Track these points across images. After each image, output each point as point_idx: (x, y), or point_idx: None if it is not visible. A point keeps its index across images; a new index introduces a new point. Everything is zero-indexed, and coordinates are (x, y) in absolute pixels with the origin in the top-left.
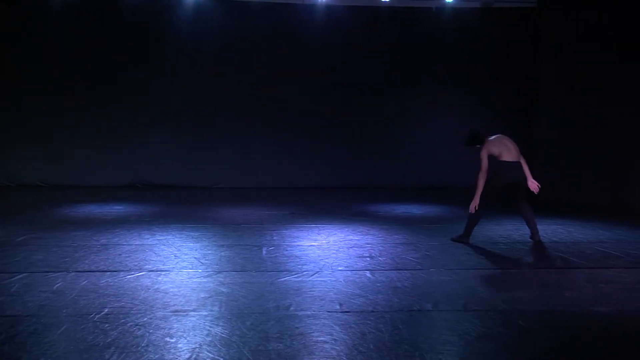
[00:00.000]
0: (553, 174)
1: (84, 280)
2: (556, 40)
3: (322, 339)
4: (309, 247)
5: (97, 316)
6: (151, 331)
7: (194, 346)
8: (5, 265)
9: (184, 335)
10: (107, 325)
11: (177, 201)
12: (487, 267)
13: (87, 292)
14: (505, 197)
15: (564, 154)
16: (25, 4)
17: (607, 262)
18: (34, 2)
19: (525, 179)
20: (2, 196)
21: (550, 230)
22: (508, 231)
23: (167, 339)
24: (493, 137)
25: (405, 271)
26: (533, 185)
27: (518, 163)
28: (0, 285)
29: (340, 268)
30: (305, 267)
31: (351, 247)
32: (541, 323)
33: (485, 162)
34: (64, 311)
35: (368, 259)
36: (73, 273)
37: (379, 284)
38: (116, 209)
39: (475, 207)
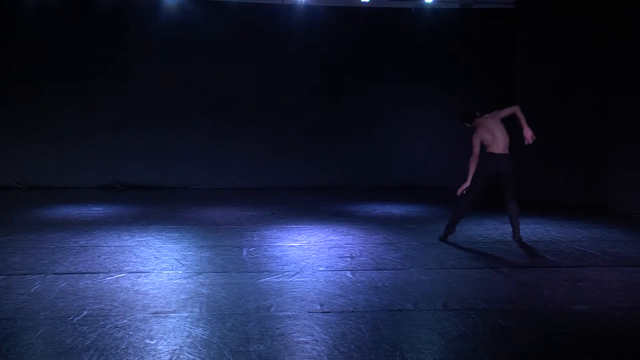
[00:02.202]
0: (531, 173)
1: (63, 283)
2: (534, 41)
3: (302, 339)
4: (290, 248)
5: (75, 318)
6: (131, 333)
7: (174, 348)
8: None
9: (164, 337)
10: (86, 327)
11: (156, 202)
12: (467, 266)
13: (66, 294)
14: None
15: (542, 154)
16: (3, 3)
17: (584, 261)
18: (11, 1)
19: (511, 172)
20: None
21: (529, 230)
22: (488, 231)
23: (147, 340)
24: (486, 116)
25: (385, 271)
26: (528, 134)
27: (504, 155)
28: None
29: (321, 268)
30: (286, 267)
31: (332, 248)
32: (520, 321)
33: (477, 148)
34: (42, 314)
35: (349, 259)
36: (51, 275)
37: (359, 284)
38: (95, 210)
39: (463, 191)
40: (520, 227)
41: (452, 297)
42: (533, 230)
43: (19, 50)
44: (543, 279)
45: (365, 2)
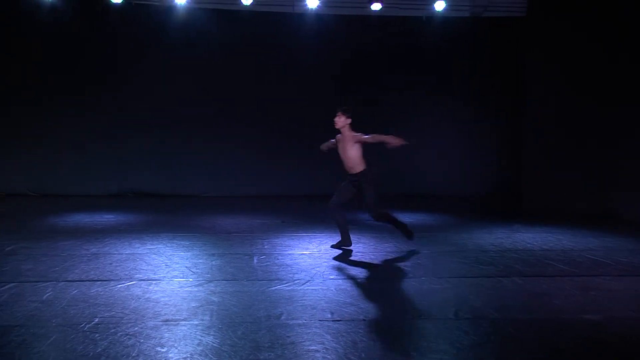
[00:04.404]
0: (542, 181)
1: (74, 290)
2: (545, 49)
3: (313, 347)
4: (300, 256)
5: (87, 326)
6: (142, 341)
7: (185, 356)
8: None
9: (175, 345)
10: (97, 335)
11: (167, 210)
12: (478, 275)
13: (77, 301)
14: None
15: (553, 162)
16: (11, 12)
17: (596, 270)
18: (19, 10)
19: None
20: None
21: (540, 239)
22: (499, 239)
23: (158, 348)
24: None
25: (396, 279)
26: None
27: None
28: None
29: (331, 277)
30: (296, 275)
31: (342, 256)
32: (531, 331)
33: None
34: (54, 321)
35: (359, 267)
36: (63, 282)
37: (370, 293)
38: (106, 218)
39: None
40: (532, 235)
41: (463, 306)
42: (544, 239)
43: (30, 59)
44: (555, 288)
45: (375, 10)
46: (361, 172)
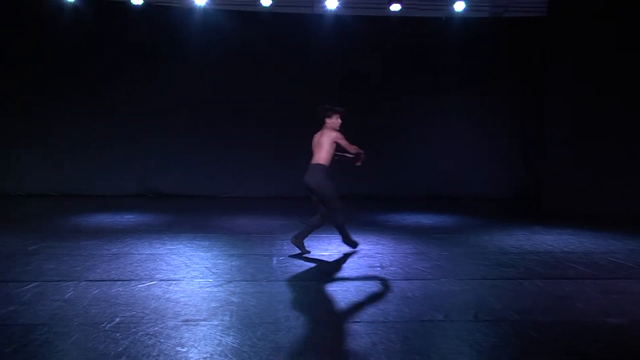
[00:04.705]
0: (563, 183)
1: (95, 290)
2: (565, 49)
3: (332, 348)
4: (320, 257)
5: (108, 325)
6: (162, 340)
7: (204, 356)
8: (18, 274)
9: (195, 345)
10: (118, 334)
11: (187, 210)
12: (499, 277)
13: (99, 301)
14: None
15: (573, 163)
16: (33, 13)
17: (619, 273)
18: (42, 12)
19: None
20: (14, 205)
21: (562, 241)
22: (519, 241)
23: (178, 348)
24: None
25: (415, 281)
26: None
27: (310, 166)
28: (13, 294)
29: (350, 278)
30: (315, 277)
31: (362, 257)
32: (553, 334)
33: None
34: (76, 320)
35: (379, 268)
36: (84, 282)
37: (389, 294)
38: (127, 218)
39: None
40: (553, 237)
41: (483, 308)
42: (566, 241)
43: (52, 60)
44: (576, 291)
45: (395, 11)
46: (316, 164)
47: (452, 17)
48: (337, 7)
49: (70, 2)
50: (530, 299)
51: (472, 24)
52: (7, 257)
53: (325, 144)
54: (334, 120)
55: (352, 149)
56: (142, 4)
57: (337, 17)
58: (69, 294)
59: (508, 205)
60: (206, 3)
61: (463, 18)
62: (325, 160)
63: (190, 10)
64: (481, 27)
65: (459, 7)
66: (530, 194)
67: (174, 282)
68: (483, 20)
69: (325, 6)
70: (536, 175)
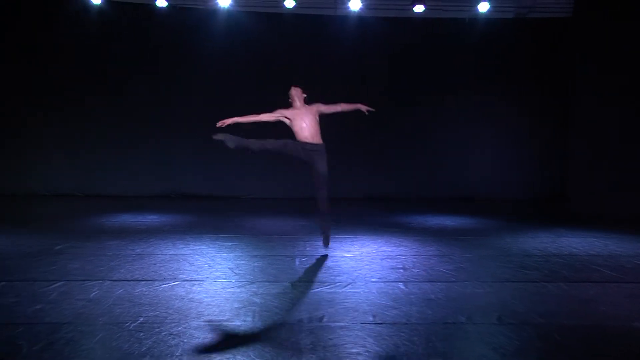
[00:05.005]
0: (589, 185)
1: (120, 289)
2: (592, 50)
3: (355, 350)
4: (342, 259)
5: (132, 325)
6: (185, 340)
7: (227, 356)
8: (44, 274)
9: (218, 345)
10: (142, 334)
11: (210, 211)
12: (522, 280)
13: (123, 300)
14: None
15: (600, 165)
16: (58, 14)
17: None
18: (66, 13)
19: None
20: (40, 205)
21: (587, 243)
22: (543, 244)
23: (202, 348)
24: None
25: (438, 283)
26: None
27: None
28: (39, 292)
29: (373, 279)
30: (338, 278)
31: (384, 259)
32: (578, 338)
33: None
34: (100, 319)
35: (401, 270)
36: (108, 282)
37: (412, 296)
38: (150, 219)
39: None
40: (578, 240)
41: (507, 311)
42: (591, 243)
43: (76, 61)
44: (601, 295)
45: (418, 12)
46: (323, 144)
47: (476, 18)
48: (361, 9)
49: (96, 5)
50: (555, 302)
51: (496, 25)
52: (34, 257)
53: (314, 121)
54: (300, 93)
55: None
56: (167, 6)
57: (360, 19)
58: (93, 294)
59: (531, 207)
60: (229, 5)
61: (487, 19)
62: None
63: (214, 11)
64: (505, 28)
65: (483, 7)
66: (553, 195)
67: (197, 282)
68: (507, 21)
69: (348, 7)
70: (559, 177)
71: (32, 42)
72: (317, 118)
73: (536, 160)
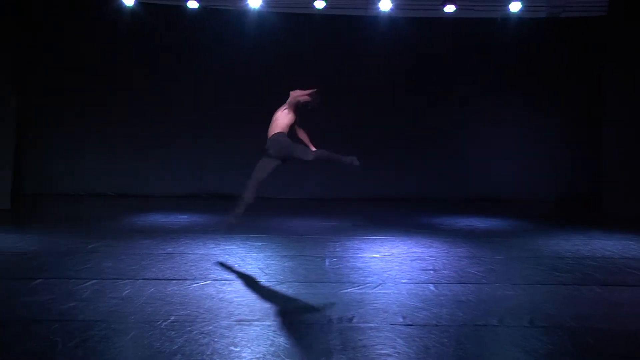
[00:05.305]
0: (622, 186)
1: (151, 288)
2: (627, 50)
3: (385, 351)
4: (372, 259)
5: (163, 323)
6: (216, 340)
7: (257, 356)
8: (78, 272)
9: (248, 345)
10: (173, 332)
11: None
12: (554, 282)
13: (154, 299)
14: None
15: (634, 167)
16: (94, 17)
17: None
18: (100, 16)
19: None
20: (75, 205)
21: (621, 246)
22: (576, 246)
23: (232, 347)
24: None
25: (469, 285)
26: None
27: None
28: (73, 290)
29: (403, 281)
30: (368, 279)
31: (414, 260)
32: (612, 342)
33: None
34: (132, 318)
35: (431, 271)
36: (140, 280)
37: (442, 298)
38: (181, 219)
39: None
40: (613, 243)
41: (539, 313)
42: (625, 246)
43: (108, 63)
44: (636, 298)
45: (449, 12)
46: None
47: (507, 18)
48: (391, 9)
49: (129, 7)
50: (588, 305)
51: (529, 25)
52: (68, 255)
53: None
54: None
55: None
56: (198, 7)
57: (391, 19)
58: (126, 292)
59: (562, 209)
60: (260, 6)
61: (519, 19)
62: (285, 129)
63: (244, 12)
64: (538, 27)
65: (515, 7)
66: (587, 197)
67: (228, 282)
68: (540, 20)
69: (378, 8)
70: (591, 178)
71: (65, 42)
72: (287, 112)
73: (568, 161)
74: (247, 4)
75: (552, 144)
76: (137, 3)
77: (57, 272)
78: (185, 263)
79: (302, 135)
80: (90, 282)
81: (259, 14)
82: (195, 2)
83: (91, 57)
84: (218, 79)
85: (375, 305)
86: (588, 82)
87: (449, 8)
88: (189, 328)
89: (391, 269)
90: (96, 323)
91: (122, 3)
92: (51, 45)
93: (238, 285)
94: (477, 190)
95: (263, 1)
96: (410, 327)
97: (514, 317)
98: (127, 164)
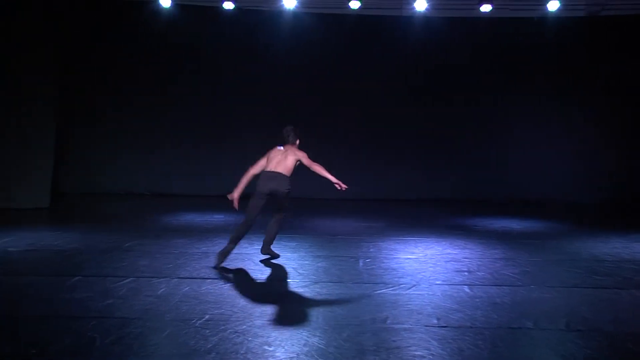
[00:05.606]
0: None
1: (186, 287)
2: None
3: (419, 353)
4: (406, 260)
5: (198, 322)
6: (250, 339)
7: (291, 355)
8: (115, 270)
9: (282, 345)
10: (207, 331)
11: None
12: (592, 285)
13: (189, 298)
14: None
15: None
16: (131, 18)
17: None
18: (137, 16)
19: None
20: (111, 204)
21: None
22: (615, 249)
23: (265, 347)
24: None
25: (504, 287)
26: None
27: (275, 173)
28: (110, 288)
29: (437, 282)
30: (402, 280)
31: (449, 261)
32: None
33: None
34: (167, 316)
35: (466, 273)
36: (175, 279)
37: (477, 300)
38: (216, 218)
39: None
40: None
41: (575, 317)
42: None
43: (142, 64)
44: None
45: (485, 12)
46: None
47: (545, 17)
48: (426, 9)
49: (166, 8)
50: (627, 309)
51: (567, 24)
52: (105, 253)
53: (290, 160)
54: (296, 142)
55: (323, 173)
56: (233, 8)
57: (426, 19)
58: (161, 290)
59: (601, 211)
60: (295, 6)
61: (556, 18)
62: (290, 173)
63: (279, 13)
64: (577, 27)
65: (553, 6)
66: (627, 199)
67: (261, 281)
68: (578, 19)
69: (413, 8)
70: (631, 181)
71: (106, 45)
72: (292, 161)
73: (607, 163)
74: (282, 5)
75: (592, 145)
76: (174, 4)
77: (94, 269)
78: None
79: (319, 168)
80: (126, 280)
81: (294, 14)
82: (231, 3)
83: (128, 59)
84: (252, 79)
85: (409, 306)
86: (630, 83)
87: (485, 8)
88: (223, 327)
89: (425, 270)
90: (132, 320)
91: (159, 4)
92: (92, 47)
93: (272, 284)
94: (514, 192)
95: (298, 2)
96: (444, 328)
97: (550, 321)
98: (163, 164)
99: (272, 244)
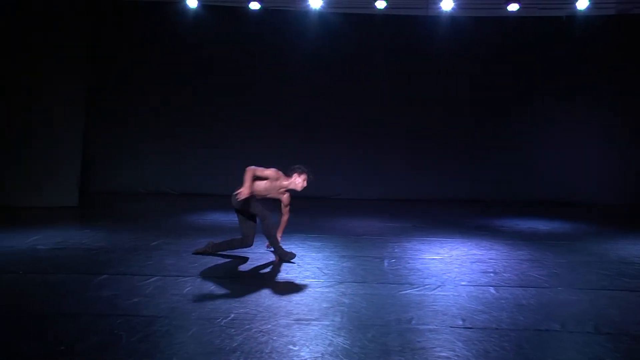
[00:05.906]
0: None
1: (211, 286)
2: None
3: (444, 354)
4: (431, 261)
5: (223, 321)
6: (275, 338)
7: (316, 355)
8: (141, 268)
9: (307, 344)
10: (232, 330)
11: (299, 211)
12: (620, 288)
13: (214, 297)
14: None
15: None
16: (162, 20)
17: None
18: (167, 18)
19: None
20: (138, 203)
21: None
22: None
23: (290, 346)
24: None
25: (530, 289)
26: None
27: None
28: (137, 286)
29: (463, 283)
30: (427, 280)
31: (474, 262)
32: None
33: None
34: (193, 314)
35: (492, 274)
36: (201, 278)
37: (503, 301)
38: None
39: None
40: None
41: (603, 319)
42: None
43: (173, 65)
44: None
45: (512, 11)
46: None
47: (574, 16)
48: (452, 8)
49: (192, 9)
50: None
51: (596, 23)
52: (132, 252)
53: (272, 185)
54: (300, 180)
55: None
56: (259, 8)
57: (452, 18)
58: (187, 289)
59: (630, 213)
60: (321, 6)
61: (586, 16)
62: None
63: (305, 13)
64: (606, 25)
65: (582, 4)
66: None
67: (286, 281)
68: (608, 18)
69: (440, 7)
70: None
71: (134, 44)
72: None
73: (636, 164)
74: (308, 5)
75: (620, 146)
76: (200, 5)
77: (121, 268)
78: (244, 262)
79: (285, 218)
80: (153, 279)
81: (320, 14)
82: (257, 3)
83: (155, 58)
84: (278, 78)
85: (434, 307)
86: None
87: (512, 7)
88: (248, 326)
89: (451, 270)
90: (158, 319)
91: (185, 5)
92: (119, 47)
93: (296, 284)
94: (540, 192)
95: (324, 2)
96: (469, 330)
97: (577, 323)
98: (189, 163)
99: (278, 244)
